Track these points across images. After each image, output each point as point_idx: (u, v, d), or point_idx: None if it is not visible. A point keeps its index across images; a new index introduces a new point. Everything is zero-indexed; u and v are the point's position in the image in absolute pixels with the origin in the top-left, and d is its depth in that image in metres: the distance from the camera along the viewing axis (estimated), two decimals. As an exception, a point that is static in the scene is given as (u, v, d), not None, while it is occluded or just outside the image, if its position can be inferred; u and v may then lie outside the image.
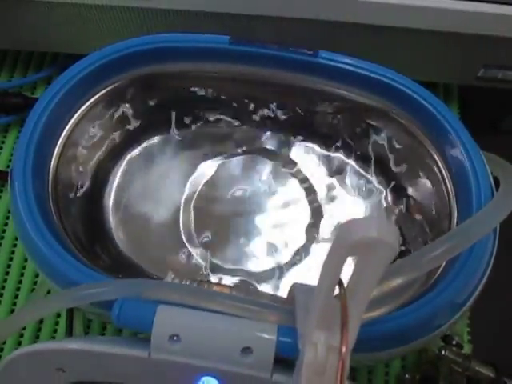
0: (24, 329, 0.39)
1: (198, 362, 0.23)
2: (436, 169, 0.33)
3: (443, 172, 0.32)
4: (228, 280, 0.35)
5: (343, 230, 0.17)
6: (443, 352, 0.35)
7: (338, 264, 0.18)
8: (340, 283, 0.20)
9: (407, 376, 0.37)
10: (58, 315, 0.40)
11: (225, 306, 0.24)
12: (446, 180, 0.32)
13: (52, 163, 0.32)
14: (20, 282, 0.41)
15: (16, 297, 0.41)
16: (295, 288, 0.25)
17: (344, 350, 0.18)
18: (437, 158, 0.32)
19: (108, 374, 0.26)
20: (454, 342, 0.36)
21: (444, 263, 0.29)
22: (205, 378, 0.24)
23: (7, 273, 0.41)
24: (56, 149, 0.33)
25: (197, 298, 0.24)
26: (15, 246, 0.43)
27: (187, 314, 0.24)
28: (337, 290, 0.20)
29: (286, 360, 0.23)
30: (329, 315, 0.20)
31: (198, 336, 0.23)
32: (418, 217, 0.35)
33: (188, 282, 0.34)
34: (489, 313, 0.41)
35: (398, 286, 0.25)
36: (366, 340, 0.25)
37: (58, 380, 0.26)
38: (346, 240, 0.17)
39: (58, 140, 0.33)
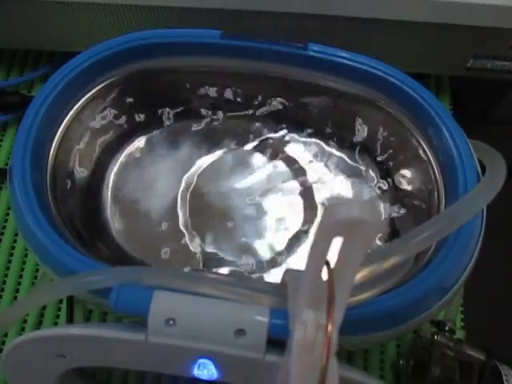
0: (25, 322, 0.40)
1: (193, 345, 0.24)
2: (424, 156, 0.33)
3: (431, 159, 0.33)
4: (224, 270, 0.36)
5: (328, 212, 0.18)
6: (435, 337, 0.36)
7: (325, 244, 0.19)
8: (327, 264, 0.20)
9: (401, 362, 0.38)
10: (59, 308, 0.41)
11: (219, 290, 0.25)
12: (434, 167, 0.32)
13: (50, 158, 0.33)
14: (21, 276, 0.42)
15: (17, 291, 0.42)
16: (287, 273, 0.26)
17: (330, 327, 0.19)
18: (424, 146, 0.33)
19: (107, 360, 0.27)
20: (446, 328, 0.37)
21: (433, 247, 0.29)
22: (201, 361, 0.25)
23: (8, 268, 0.42)
24: (54, 144, 0.33)
25: (192, 282, 0.25)
26: (15, 241, 0.43)
27: (183, 299, 0.24)
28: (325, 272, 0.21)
29: (278, 341, 0.24)
30: (318, 295, 0.21)
31: (193, 319, 0.24)
32: (408, 205, 0.35)
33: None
34: (481, 299, 0.42)
35: (388, 269, 0.25)
36: (357, 322, 0.26)
37: (59, 366, 0.27)
38: (331, 221, 0.18)
39: (55, 135, 0.33)
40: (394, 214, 0.35)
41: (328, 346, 0.19)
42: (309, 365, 0.20)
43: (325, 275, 0.21)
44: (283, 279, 0.27)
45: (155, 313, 0.24)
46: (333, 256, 0.20)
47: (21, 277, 0.42)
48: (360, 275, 0.25)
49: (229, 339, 0.24)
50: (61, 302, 0.41)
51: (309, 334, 0.21)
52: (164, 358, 0.25)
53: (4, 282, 0.42)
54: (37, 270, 0.42)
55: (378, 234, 0.17)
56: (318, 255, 0.19)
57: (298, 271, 0.25)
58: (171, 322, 0.24)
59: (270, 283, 0.34)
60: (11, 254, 0.43)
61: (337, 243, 0.19)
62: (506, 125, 0.51)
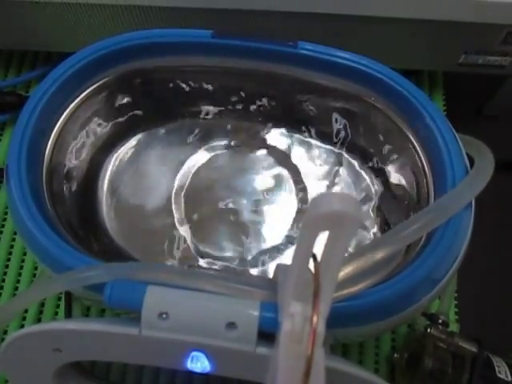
0: (24, 319, 0.41)
1: (186, 338, 0.24)
2: (413, 150, 0.34)
3: (420, 153, 0.33)
4: (219, 266, 0.36)
5: (311, 206, 0.18)
6: (428, 330, 0.36)
7: (310, 238, 0.19)
8: (314, 257, 0.21)
9: (396, 355, 0.39)
10: (57, 305, 0.41)
11: (211, 284, 0.25)
12: (423, 161, 0.33)
13: (46, 157, 0.33)
14: (20, 274, 0.43)
15: (16, 289, 0.42)
16: (278, 267, 0.27)
17: (315, 318, 0.19)
18: (413, 140, 0.34)
19: (102, 354, 0.27)
20: (440, 321, 0.37)
21: (424, 239, 0.30)
22: (194, 354, 0.25)
23: (7, 266, 0.43)
24: (49, 143, 0.34)
25: (184, 277, 0.25)
26: (14, 240, 0.44)
27: (175, 293, 0.25)
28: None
29: (270, 334, 0.24)
30: (305, 288, 0.21)
31: (185, 313, 0.24)
32: (400, 200, 0.36)
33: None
34: (476, 293, 0.43)
35: (379, 261, 0.26)
36: (349, 314, 0.27)
37: (56, 360, 0.28)
38: (314, 215, 0.18)
39: (50, 134, 0.34)
40: (385, 208, 0.36)
41: (313, 336, 0.19)
42: (296, 356, 0.21)
43: (312, 268, 0.21)
44: (275, 274, 0.28)
45: (148, 307, 0.24)
46: (319, 250, 0.21)
47: (20, 275, 0.43)
48: (351, 268, 0.26)
49: (220, 332, 0.24)
50: (60, 299, 0.42)
51: (296, 325, 0.21)
52: (158, 351, 0.26)
53: (3, 280, 0.42)
54: (35, 269, 0.43)
55: (359, 226, 0.18)
56: (303, 249, 0.20)
57: (288, 265, 0.26)
58: (164, 315, 0.24)
59: (262, 278, 0.35)
60: (10, 253, 0.43)
61: (323, 237, 0.20)
62: (499, 120, 0.51)
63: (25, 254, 0.43)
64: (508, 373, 0.35)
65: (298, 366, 0.20)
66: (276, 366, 0.21)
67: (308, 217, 0.18)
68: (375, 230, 0.36)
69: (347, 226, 0.18)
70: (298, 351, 0.21)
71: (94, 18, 0.42)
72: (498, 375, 0.34)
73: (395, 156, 0.36)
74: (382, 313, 0.28)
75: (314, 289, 0.20)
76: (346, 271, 0.25)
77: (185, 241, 0.37)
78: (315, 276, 0.20)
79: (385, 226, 0.36)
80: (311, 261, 0.21)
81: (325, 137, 0.40)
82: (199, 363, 0.26)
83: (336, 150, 0.40)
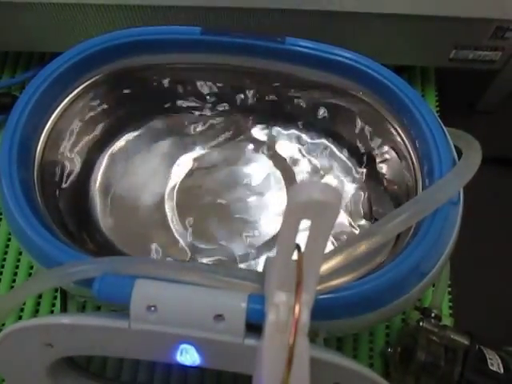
0: (20, 318, 0.41)
1: (174, 330, 0.25)
2: (401, 143, 0.34)
3: (408, 146, 0.33)
4: (211, 261, 0.37)
5: (291, 195, 0.18)
6: (421, 324, 0.37)
7: (292, 227, 0.20)
8: (298, 248, 0.21)
9: (389, 350, 0.39)
10: (53, 304, 0.42)
11: (198, 277, 0.25)
12: (411, 153, 0.33)
13: (37, 155, 0.34)
14: (15, 274, 0.43)
15: (12, 288, 0.42)
16: (267, 260, 0.27)
17: (298, 308, 0.19)
18: (401, 133, 0.34)
19: (94, 348, 0.28)
20: (432, 315, 0.38)
21: (412, 231, 0.30)
22: (183, 346, 0.26)
23: (3, 266, 0.43)
24: (40, 141, 0.34)
25: (172, 271, 0.26)
26: (9, 239, 0.44)
27: (163, 287, 0.25)
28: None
29: (257, 326, 0.25)
30: (290, 278, 0.21)
31: (173, 306, 0.25)
32: (390, 192, 0.36)
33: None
34: (470, 287, 0.43)
35: (367, 252, 0.26)
36: (337, 306, 0.27)
37: (47, 355, 0.28)
38: (294, 204, 0.18)
39: (41, 133, 0.34)
40: (373, 199, 0.36)
41: (296, 325, 0.19)
42: (281, 345, 0.21)
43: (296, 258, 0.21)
44: (264, 267, 0.28)
45: (137, 300, 0.25)
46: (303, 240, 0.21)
47: (15, 274, 0.43)
48: (339, 259, 0.26)
49: (208, 324, 0.24)
50: (55, 298, 0.42)
51: (281, 315, 0.21)
52: (148, 344, 0.26)
53: (-1, 279, 0.43)
54: (31, 268, 0.43)
55: (338, 214, 0.18)
56: (285, 238, 0.20)
57: (274, 257, 0.26)
58: (152, 308, 0.25)
59: (251, 271, 0.35)
60: (6, 253, 0.44)
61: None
62: (492, 115, 0.52)
63: (21, 253, 0.44)
64: (500, 365, 0.35)
65: (282, 355, 0.20)
66: (261, 356, 0.21)
67: (288, 206, 0.18)
68: (363, 221, 0.37)
69: (327, 215, 0.18)
70: (283, 341, 0.21)
71: (88, 17, 0.42)
72: (491, 368, 0.34)
73: (383, 148, 0.36)
74: (371, 304, 0.28)
75: (296, 278, 0.20)
76: (333, 263, 0.26)
77: (178, 237, 0.37)
78: (298, 266, 0.20)
79: (373, 218, 0.37)
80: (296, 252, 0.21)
81: (313, 131, 0.40)
82: (188, 356, 0.26)
83: (325, 143, 0.40)
